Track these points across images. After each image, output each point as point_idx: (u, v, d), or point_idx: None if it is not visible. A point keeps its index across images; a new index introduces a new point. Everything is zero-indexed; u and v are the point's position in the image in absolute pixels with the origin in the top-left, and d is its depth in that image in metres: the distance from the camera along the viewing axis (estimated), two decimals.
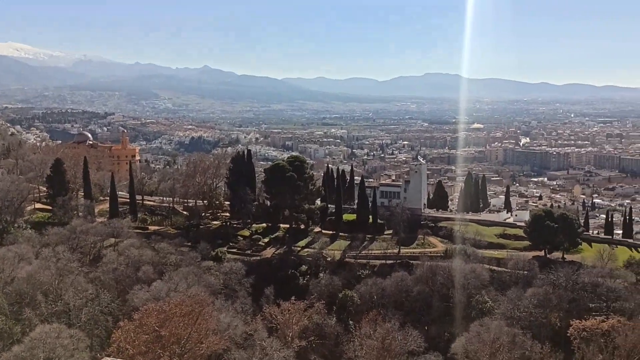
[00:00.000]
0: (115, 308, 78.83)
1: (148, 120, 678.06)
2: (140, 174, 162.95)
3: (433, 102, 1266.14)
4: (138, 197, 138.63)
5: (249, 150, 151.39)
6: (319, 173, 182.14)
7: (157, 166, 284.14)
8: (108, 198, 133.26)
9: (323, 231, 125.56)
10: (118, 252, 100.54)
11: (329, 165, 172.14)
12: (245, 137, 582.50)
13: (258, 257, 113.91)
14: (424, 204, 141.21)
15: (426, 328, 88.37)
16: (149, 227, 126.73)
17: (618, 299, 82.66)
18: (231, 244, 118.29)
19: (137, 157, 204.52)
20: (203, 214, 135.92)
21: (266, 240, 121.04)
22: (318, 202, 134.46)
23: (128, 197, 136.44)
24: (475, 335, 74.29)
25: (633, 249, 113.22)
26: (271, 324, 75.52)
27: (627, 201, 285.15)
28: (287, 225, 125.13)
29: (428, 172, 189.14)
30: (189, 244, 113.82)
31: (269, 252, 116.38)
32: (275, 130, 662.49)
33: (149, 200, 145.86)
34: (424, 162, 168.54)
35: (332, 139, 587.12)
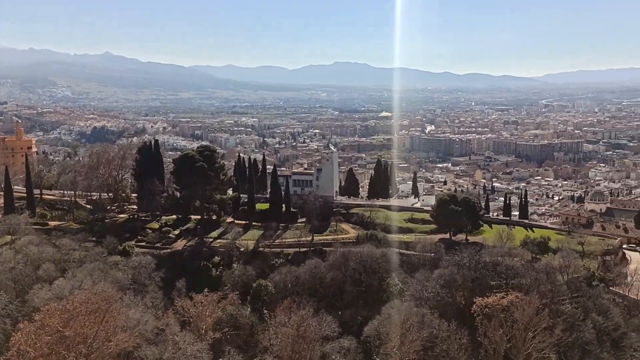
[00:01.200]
0: (14, 309, 73.80)
1: (45, 110, 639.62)
2: (37, 166, 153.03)
3: (343, 91, 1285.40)
4: (36, 191, 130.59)
5: (156, 140, 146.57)
6: (230, 162, 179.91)
7: (57, 158, 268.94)
8: (2, 193, 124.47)
9: (236, 221, 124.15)
10: (15, 250, 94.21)
11: (241, 155, 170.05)
12: (152, 126, 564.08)
13: (169, 250, 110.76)
14: (336, 192, 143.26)
15: (340, 313, 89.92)
16: (49, 222, 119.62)
17: (516, 275, 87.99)
18: (140, 238, 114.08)
19: (34, 149, 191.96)
20: (108, 207, 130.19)
21: (177, 232, 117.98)
22: (230, 192, 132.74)
23: (25, 191, 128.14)
24: (387, 317, 76.64)
25: (528, 229, 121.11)
26: (184, 317, 73.89)
27: (522, 184, 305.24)
28: (199, 217, 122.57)
29: (339, 160, 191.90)
30: (94, 239, 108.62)
31: (180, 245, 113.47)
32: (184, 120, 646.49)
33: (48, 195, 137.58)
34: (335, 150, 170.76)
35: (243, 128, 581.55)
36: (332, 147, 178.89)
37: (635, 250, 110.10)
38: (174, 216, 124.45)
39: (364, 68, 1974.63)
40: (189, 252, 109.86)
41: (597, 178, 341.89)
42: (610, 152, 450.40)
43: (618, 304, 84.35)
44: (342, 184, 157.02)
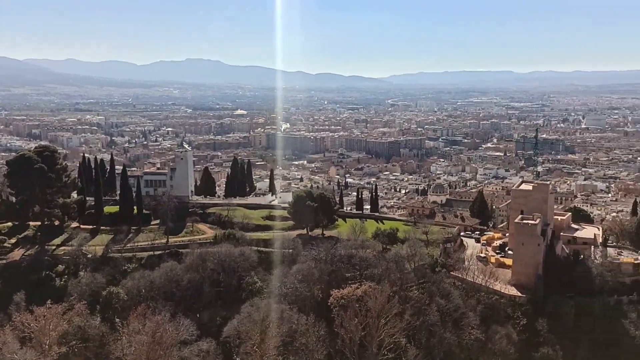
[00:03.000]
0: None
1: None
2: None
3: (196, 88, 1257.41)
4: None
5: None
6: (74, 163, 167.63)
7: None
8: None
9: (82, 226, 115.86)
10: None
11: (86, 155, 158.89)
12: None
13: (4, 261, 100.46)
14: (192, 191, 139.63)
15: (198, 315, 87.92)
16: None
17: (369, 266, 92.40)
18: None
19: None
20: None
21: (13, 240, 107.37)
22: (75, 195, 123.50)
23: None
24: (247, 316, 76.34)
25: (379, 221, 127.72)
26: (24, 333, 67.46)
27: (373, 179, 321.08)
28: (39, 223, 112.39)
29: (194, 158, 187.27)
30: None
31: (17, 254, 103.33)
32: (19, 118, 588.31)
33: None
34: (189, 148, 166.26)
35: (88, 126, 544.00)
36: (186, 146, 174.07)
37: (471, 237, 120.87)
38: (10, 223, 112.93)
39: (218, 65, 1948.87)
40: (29, 262, 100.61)
41: (438, 172, 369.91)
42: (448, 148, 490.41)
43: (458, 287, 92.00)
44: (198, 183, 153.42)
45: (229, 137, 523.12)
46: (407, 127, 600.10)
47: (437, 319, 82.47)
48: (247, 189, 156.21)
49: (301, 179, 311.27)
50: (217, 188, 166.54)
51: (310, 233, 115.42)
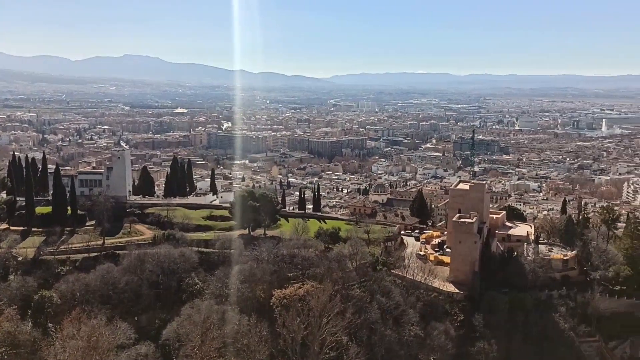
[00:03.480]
0: None
1: None
2: None
3: (134, 85, 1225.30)
4: None
5: None
6: (3, 162, 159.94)
7: None
8: None
9: (12, 228, 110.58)
10: None
11: (16, 153, 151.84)
12: None
13: None
14: (129, 191, 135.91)
15: (136, 318, 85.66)
16: None
17: (311, 266, 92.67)
18: None
19: None
20: None
21: None
22: (4, 195, 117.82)
23: None
24: (187, 317, 74.93)
25: (322, 221, 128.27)
26: None
27: (315, 179, 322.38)
28: None
29: (132, 157, 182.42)
30: None
31: None
32: None
33: None
34: (127, 147, 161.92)
35: (18, 124, 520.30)
36: (123, 144, 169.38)
37: (411, 236, 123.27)
38: None
39: (157, 62, 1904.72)
40: None
41: (379, 172, 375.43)
42: (389, 149, 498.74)
43: (398, 284, 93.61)
44: (136, 183, 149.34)
45: (168, 136, 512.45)
46: (349, 127, 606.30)
47: (378, 316, 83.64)
48: (188, 189, 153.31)
49: (243, 179, 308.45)
50: (156, 188, 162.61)
51: (252, 233, 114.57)
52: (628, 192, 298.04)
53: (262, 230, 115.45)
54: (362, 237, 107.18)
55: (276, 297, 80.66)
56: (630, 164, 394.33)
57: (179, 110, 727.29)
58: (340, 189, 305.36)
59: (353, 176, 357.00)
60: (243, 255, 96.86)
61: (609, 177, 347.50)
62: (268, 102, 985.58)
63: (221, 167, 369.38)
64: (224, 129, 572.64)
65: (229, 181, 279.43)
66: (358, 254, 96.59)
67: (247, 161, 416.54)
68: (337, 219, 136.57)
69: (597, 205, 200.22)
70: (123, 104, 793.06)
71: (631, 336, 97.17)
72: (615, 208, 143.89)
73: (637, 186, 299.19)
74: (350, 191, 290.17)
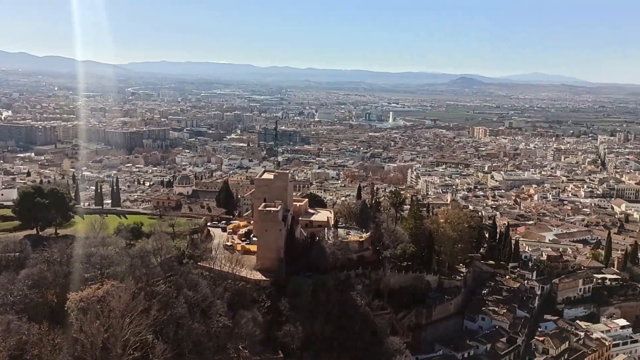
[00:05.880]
0: None
1: None
2: None
3: None
4: None
5: None
6: None
7: None
8: None
9: None
10: None
11: None
12: None
13: None
14: None
15: None
16: None
17: (111, 264, 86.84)
18: None
19: None
20: None
21: None
22: None
23: None
24: None
25: (122, 216, 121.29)
26: None
27: (114, 172, 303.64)
28: None
29: None
30: None
31: None
32: None
33: None
34: None
35: None
36: None
37: (218, 227, 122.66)
38: None
39: None
40: None
41: (184, 163, 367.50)
42: (193, 139, 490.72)
43: (206, 277, 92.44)
44: None
45: None
46: (150, 117, 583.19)
47: (185, 311, 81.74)
48: None
49: (28, 174, 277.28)
50: None
51: (41, 233, 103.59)
52: (412, 177, 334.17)
53: (53, 230, 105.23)
54: (166, 231, 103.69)
55: (71, 301, 74.23)
56: (413, 152, 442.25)
57: None
58: (142, 182, 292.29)
59: (156, 168, 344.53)
60: (31, 257, 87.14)
61: (396, 165, 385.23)
62: (56, 88, 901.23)
63: (1, 161, 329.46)
64: (3, 118, 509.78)
65: (11, 176, 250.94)
66: (163, 249, 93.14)
67: (32, 154, 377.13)
68: (139, 213, 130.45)
69: (386, 190, 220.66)
70: None
71: (415, 306, 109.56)
72: (402, 192, 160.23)
73: (419, 172, 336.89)
74: (153, 184, 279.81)
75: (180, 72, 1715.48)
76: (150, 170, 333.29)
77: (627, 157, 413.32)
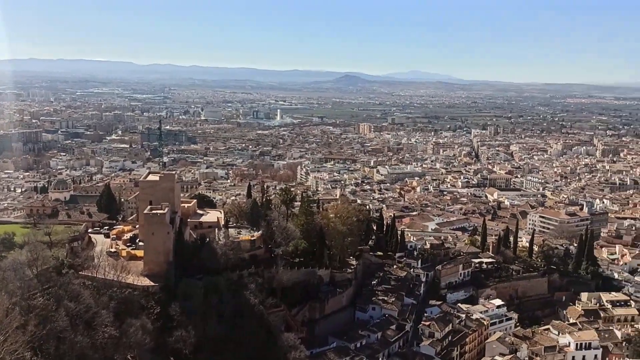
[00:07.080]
0: None
1: None
2: None
3: None
4: None
5: None
6: None
7: None
8: None
9: None
10: None
11: None
12: None
13: None
14: None
15: None
16: None
17: None
18: None
19: None
20: None
21: None
22: None
23: None
24: None
25: None
26: None
27: None
28: None
29: None
30: None
31: None
32: None
33: None
34: None
35: None
36: None
37: (100, 233, 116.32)
38: None
39: None
40: None
41: (59, 167, 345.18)
42: (70, 141, 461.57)
43: (88, 286, 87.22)
44: None
45: None
46: (20, 119, 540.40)
47: (66, 323, 76.57)
48: None
49: None
50: None
51: None
52: (301, 174, 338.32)
53: None
54: (42, 240, 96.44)
55: None
56: (302, 150, 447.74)
57: None
58: (12, 189, 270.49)
59: (28, 173, 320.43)
60: None
61: (285, 162, 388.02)
62: None
63: None
64: None
65: None
66: (39, 259, 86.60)
67: None
68: (10, 222, 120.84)
69: (277, 188, 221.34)
70: None
71: (309, 301, 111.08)
72: (292, 189, 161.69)
73: (308, 169, 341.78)
74: (26, 190, 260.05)
75: (51, 70, 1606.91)
76: (22, 176, 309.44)
77: (497, 149, 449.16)
